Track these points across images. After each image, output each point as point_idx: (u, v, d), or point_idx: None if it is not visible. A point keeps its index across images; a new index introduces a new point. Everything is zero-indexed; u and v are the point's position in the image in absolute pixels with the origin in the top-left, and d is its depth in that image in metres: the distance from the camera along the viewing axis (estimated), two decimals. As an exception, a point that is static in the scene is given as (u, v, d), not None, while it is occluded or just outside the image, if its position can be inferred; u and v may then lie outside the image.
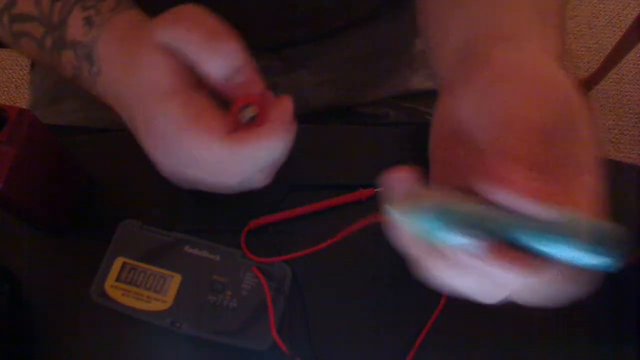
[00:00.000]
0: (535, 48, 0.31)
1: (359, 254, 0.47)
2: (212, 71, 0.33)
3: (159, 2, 0.37)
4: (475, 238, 0.23)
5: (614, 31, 1.56)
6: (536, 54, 0.31)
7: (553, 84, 0.28)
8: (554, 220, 0.23)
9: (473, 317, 0.45)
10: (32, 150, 0.40)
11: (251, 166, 0.35)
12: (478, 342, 0.45)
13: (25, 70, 1.48)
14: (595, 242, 0.22)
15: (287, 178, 0.37)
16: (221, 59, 0.33)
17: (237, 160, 0.34)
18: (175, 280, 0.43)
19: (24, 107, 0.40)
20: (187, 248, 0.44)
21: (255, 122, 0.34)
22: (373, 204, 0.48)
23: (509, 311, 0.46)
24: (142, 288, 0.43)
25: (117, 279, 0.43)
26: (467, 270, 0.26)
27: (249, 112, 0.34)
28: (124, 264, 0.43)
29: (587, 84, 1.45)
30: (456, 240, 0.24)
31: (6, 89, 1.48)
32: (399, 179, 0.26)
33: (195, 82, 0.34)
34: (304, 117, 0.39)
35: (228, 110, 0.35)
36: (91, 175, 0.49)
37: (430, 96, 0.66)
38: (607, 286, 0.47)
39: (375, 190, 0.48)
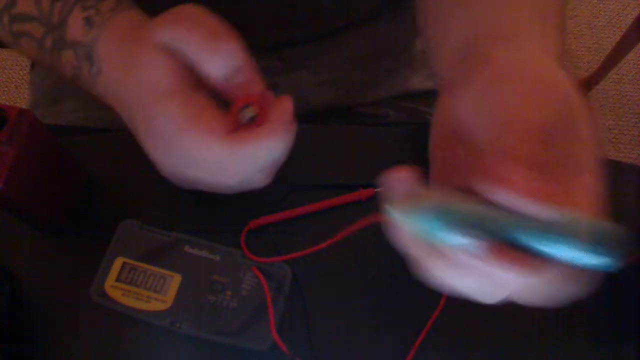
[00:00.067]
0: (535, 48, 0.31)
1: (359, 254, 0.47)
2: (212, 71, 0.33)
3: (159, 2, 0.37)
4: (475, 238, 0.23)
5: (614, 31, 1.56)
6: (536, 54, 0.31)
7: (553, 84, 0.28)
8: (554, 220, 0.23)
9: (473, 317, 0.45)
10: (32, 150, 0.40)
11: (251, 166, 0.35)
12: (478, 342, 0.45)
13: (25, 70, 1.48)
14: (594, 242, 0.22)
15: (287, 178, 0.37)
16: (221, 59, 0.33)
17: (236, 160, 0.34)
18: (175, 280, 0.43)
19: (24, 107, 0.40)
20: (187, 248, 0.44)
21: (255, 122, 0.34)
22: (373, 204, 0.48)
23: (509, 311, 0.46)
24: (142, 288, 0.43)
25: (117, 279, 0.43)
26: (467, 271, 0.26)
27: (249, 112, 0.34)
28: (124, 264, 0.43)
29: (587, 84, 1.45)
30: (456, 240, 0.24)
31: (6, 89, 1.48)
32: (399, 179, 0.26)
33: (196, 82, 0.34)
34: (304, 117, 0.39)
35: (228, 110, 0.35)
36: (91, 175, 0.49)
37: (430, 96, 0.66)
38: (607, 286, 0.47)
39: (375, 190, 0.48)
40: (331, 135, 0.53)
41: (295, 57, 0.60)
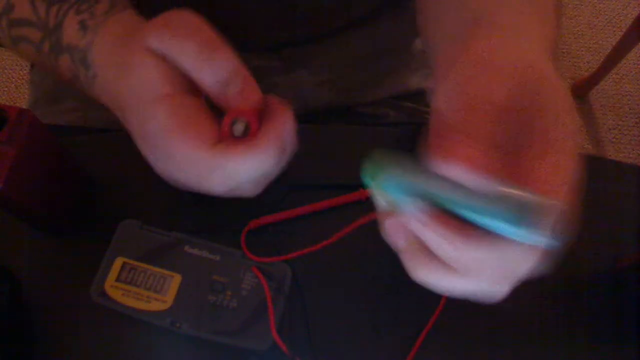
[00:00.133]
0: (522, 38, 0.31)
1: (359, 254, 0.47)
2: (206, 81, 0.33)
3: (158, 2, 0.37)
4: (422, 205, 0.26)
5: (614, 31, 1.56)
6: (519, 41, 0.31)
7: (524, 67, 0.28)
8: (488, 193, 0.24)
9: (473, 317, 0.45)
10: (32, 150, 0.40)
11: (233, 179, 0.34)
12: (478, 342, 0.45)
13: (25, 70, 1.48)
14: (520, 215, 0.24)
15: (287, 178, 0.37)
16: (215, 69, 0.32)
17: (218, 172, 0.33)
18: (175, 280, 0.43)
19: (24, 107, 0.40)
20: (187, 248, 0.44)
21: (246, 136, 0.33)
22: (373, 204, 0.48)
23: (509, 311, 0.46)
24: (142, 288, 0.43)
25: (117, 279, 0.43)
26: (449, 268, 0.27)
27: (239, 127, 0.33)
28: (124, 264, 0.43)
29: (587, 84, 1.45)
30: (407, 206, 0.26)
31: (6, 89, 1.48)
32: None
33: (189, 87, 0.34)
34: (304, 117, 0.38)
35: (222, 119, 0.34)
36: (91, 175, 0.49)
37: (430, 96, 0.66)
38: (607, 286, 0.48)
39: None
40: (331, 135, 0.53)
41: (295, 57, 0.60)
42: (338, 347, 0.44)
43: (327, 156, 0.51)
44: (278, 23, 0.56)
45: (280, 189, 0.47)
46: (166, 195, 0.47)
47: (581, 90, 1.47)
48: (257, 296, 0.43)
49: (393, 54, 0.65)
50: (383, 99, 0.65)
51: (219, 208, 0.48)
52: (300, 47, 0.60)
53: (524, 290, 0.48)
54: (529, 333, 0.45)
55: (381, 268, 0.47)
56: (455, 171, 0.25)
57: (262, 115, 0.34)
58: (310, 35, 0.58)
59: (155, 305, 0.42)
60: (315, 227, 0.47)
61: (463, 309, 0.45)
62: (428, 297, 0.45)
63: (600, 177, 0.51)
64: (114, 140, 0.52)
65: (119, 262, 0.43)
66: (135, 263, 0.43)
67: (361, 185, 0.49)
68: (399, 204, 0.27)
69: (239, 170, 0.33)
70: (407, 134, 0.53)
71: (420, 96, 0.66)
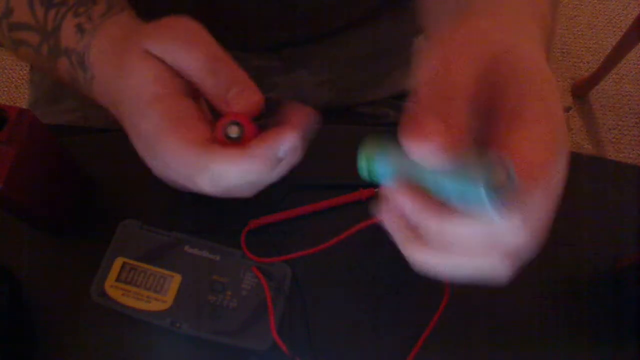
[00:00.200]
0: (511, 22, 0.31)
1: (359, 254, 0.47)
2: (208, 88, 0.33)
3: (158, 2, 0.37)
4: (399, 181, 0.28)
5: (614, 31, 1.56)
6: (504, 24, 0.31)
7: (501, 44, 0.28)
8: (448, 167, 0.25)
9: (473, 318, 0.45)
10: (32, 150, 0.40)
11: (219, 182, 0.33)
12: (478, 343, 0.45)
13: (25, 70, 1.48)
14: (475, 190, 0.24)
15: (287, 178, 0.37)
16: (219, 79, 0.33)
17: (204, 173, 0.33)
18: (175, 280, 0.43)
19: (24, 107, 0.40)
20: (187, 248, 0.44)
21: (239, 142, 0.33)
22: (373, 204, 0.48)
23: (509, 311, 0.46)
24: (142, 288, 0.43)
25: (117, 279, 0.43)
26: (437, 245, 0.28)
27: (234, 129, 0.33)
28: (124, 264, 0.43)
29: (587, 84, 1.45)
30: (386, 180, 0.29)
31: (6, 89, 1.48)
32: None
33: (184, 89, 0.34)
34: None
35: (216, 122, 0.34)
36: (91, 175, 0.49)
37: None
38: (607, 286, 0.48)
39: (375, 190, 0.48)
40: (331, 135, 0.53)
41: (295, 57, 0.60)
42: (338, 347, 0.44)
43: (327, 156, 0.51)
44: (278, 23, 0.56)
45: (280, 189, 0.47)
46: (166, 195, 0.47)
47: (581, 90, 1.47)
48: (257, 296, 0.43)
49: (393, 54, 0.65)
50: (383, 99, 0.65)
51: (219, 208, 0.48)
52: (300, 47, 0.60)
53: (524, 291, 0.48)
54: (529, 333, 0.45)
55: (381, 268, 0.47)
56: (421, 149, 0.26)
57: (273, 121, 0.33)
58: (310, 35, 0.58)
59: (155, 305, 0.42)
60: (315, 227, 0.47)
61: (463, 309, 0.45)
62: (428, 297, 0.45)
63: (600, 177, 0.51)
64: (114, 140, 0.52)
65: (119, 262, 0.43)
66: (135, 263, 0.43)
67: (361, 185, 0.49)
68: (378, 177, 0.29)
69: (224, 173, 0.32)
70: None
71: (420, 96, 0.66)
